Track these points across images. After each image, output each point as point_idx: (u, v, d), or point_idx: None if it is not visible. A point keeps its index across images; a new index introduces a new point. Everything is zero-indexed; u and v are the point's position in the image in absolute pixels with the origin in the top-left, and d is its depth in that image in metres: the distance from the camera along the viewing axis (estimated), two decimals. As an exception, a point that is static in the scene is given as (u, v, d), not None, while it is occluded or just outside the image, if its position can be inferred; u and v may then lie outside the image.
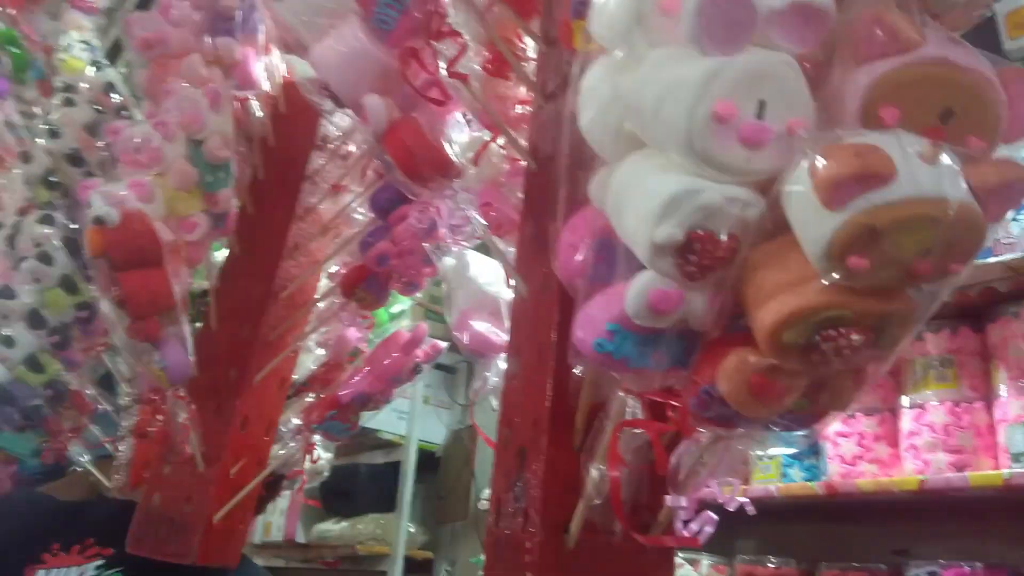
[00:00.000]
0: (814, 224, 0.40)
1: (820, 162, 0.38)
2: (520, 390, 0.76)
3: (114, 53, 1.45)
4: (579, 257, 0.57)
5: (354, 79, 0.82)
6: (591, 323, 0.54)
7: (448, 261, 1.15)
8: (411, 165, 0.83)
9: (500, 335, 1.04)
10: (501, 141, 0.97)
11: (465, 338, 1.06)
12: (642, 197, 0.46)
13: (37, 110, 1.64)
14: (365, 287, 1.10)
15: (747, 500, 0.80)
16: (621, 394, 0.61)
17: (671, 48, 0.45)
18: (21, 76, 1.74)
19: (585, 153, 0.56)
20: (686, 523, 0.67)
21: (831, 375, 0.48)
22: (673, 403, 0.56)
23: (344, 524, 3.25)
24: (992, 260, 1.32)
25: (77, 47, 1.69)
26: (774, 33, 0.42)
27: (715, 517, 0.67)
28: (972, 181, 0.38)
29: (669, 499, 0.59)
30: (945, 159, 0.39)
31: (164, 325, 0.98)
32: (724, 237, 0.46)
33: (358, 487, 3.24)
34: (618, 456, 0.59)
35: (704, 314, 0.50)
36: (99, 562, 1.13)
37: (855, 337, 0.43)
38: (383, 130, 0.82)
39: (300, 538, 3.29)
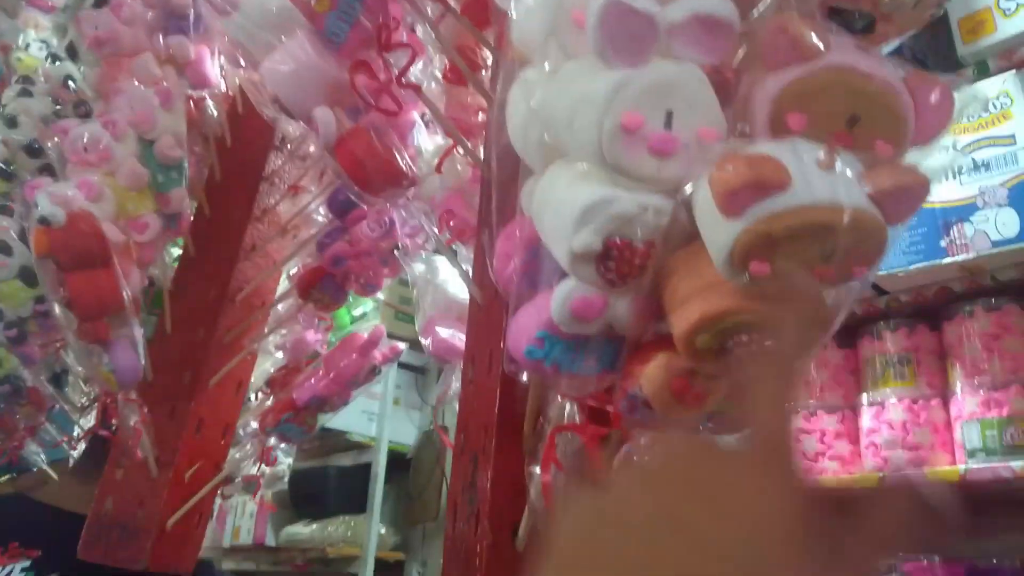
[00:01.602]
0: (716, 232, 0.41)
1: (716, 171, 0.39)
2: (474, 396, 0.77)
3: (73, 52, 1.44)
4: (511, 266, 0.58)
5: (304, 92, 0.82)
6: (522, 330, 0.54)
7: (418, 266, 1.16)
8: (362, 175, 0.83)
9: (463, 341, 1.04)
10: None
11: (429, 343, 1.07)
12: (560, 207, 0.47)
13: None
14: (321, 288, 1.10)
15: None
16: (560, 399, 0.62)
17: (584, 60, 0.45)
18: None
19: (515, 163, 0.57)
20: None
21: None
22: (608, 407, 0.57)
23: (314, 526, 3.23)
24: (947, 261, 1.34)
25: (35, 45, 1.67)
26: (678, 45, 0.43)
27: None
28: (869, 186, 0.39)
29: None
30: (842, 165, 0.39)
31: (113, 327, 0.96)
32: (641, 244, 0.46)
33: (328, 489, 3.22)
34: (555, 460, 0.60)
35: (628, 319, 0.50)
36: (24, 563, 1.13)
37: (767, 342, 0.43)
38: (333, 141, 0.82)
39: (270, 541, 3.27)
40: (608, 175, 0.45)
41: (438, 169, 1.01)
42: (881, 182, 0.39)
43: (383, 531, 3.24)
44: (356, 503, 3.16)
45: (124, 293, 0.96)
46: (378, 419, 3.31)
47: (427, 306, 1.10)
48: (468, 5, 0.95)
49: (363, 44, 0.87)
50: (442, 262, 1.11)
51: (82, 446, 1.45)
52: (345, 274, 1.09)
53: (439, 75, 1.04)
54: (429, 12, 0.91)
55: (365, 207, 1.00)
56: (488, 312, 0.80)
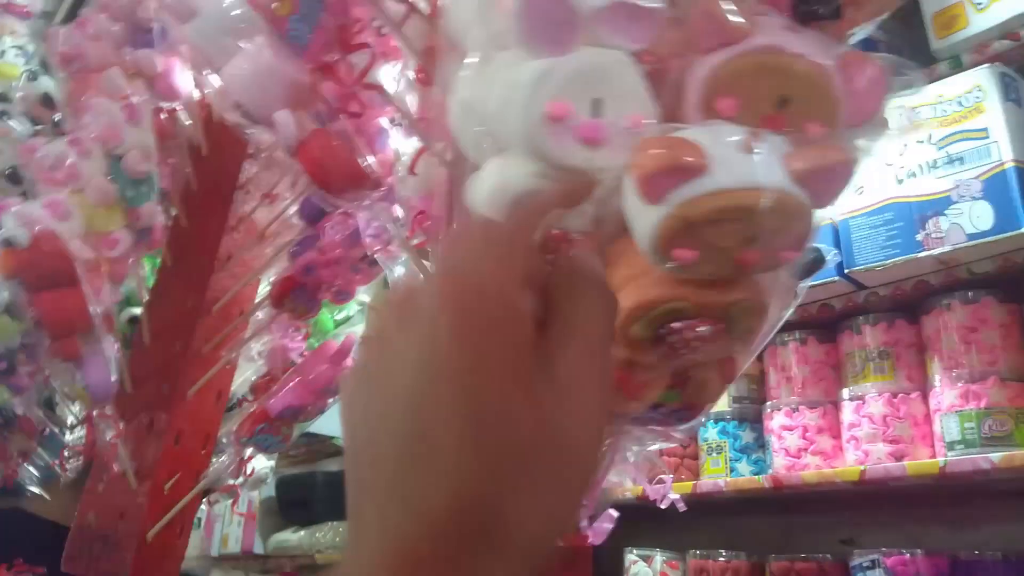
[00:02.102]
0: (639, 218, 0.40)
1: (634, 157, 0.38)
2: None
3: (47, 65, 1.43)
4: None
5: (265, 96, 0.82)
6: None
7: (398, 269, 1.16)
8: (324, 178, 0.83)
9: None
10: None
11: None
12: (495, 200, 0.46)
13: None
14: (294, 298, 1.10)
15: (678, 496, 0.81)
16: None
17: (512, 51, 0.45)
18: None
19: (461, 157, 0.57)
20: (590, 520, 0.67)
21: (692, 367, 0.48)
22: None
23: (302, 533, 3.22)
24: (923, 254, 1.35)
25: (11, 52, 1.66)
26: (602, 31, 0.42)
27: (615, 515, 0.67)
28: (791, 168, 0.39)
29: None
30: (765, 148, 0.39)
31: (84, 344, 0.97)
32: (577, 235, 0.46)
33: (316, 495, 3.21)
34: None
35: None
36: None
37: (701, 329, 0.43)
38: (294, 144, 0.82)
39: (258, 549, 3.25)
40: (539, 166, 0.45)
41: (411, 170, 1.01)
42: (802, 162, 0.38)
43: None
44: (344, 509, 3.16)
45: (93, 310, 0.97)
46: None
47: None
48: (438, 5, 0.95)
49: (326, 47, 0.87)
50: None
51: (76, 462, 1.45)
52: (316, 283, 1.09)
53: (411, 76, 1.04)
54: (393, 13, 0.91)
55: (335, 215, 1.00)
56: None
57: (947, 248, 1.31)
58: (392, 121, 1.04)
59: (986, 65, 1.36)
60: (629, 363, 0.46)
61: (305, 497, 3.14)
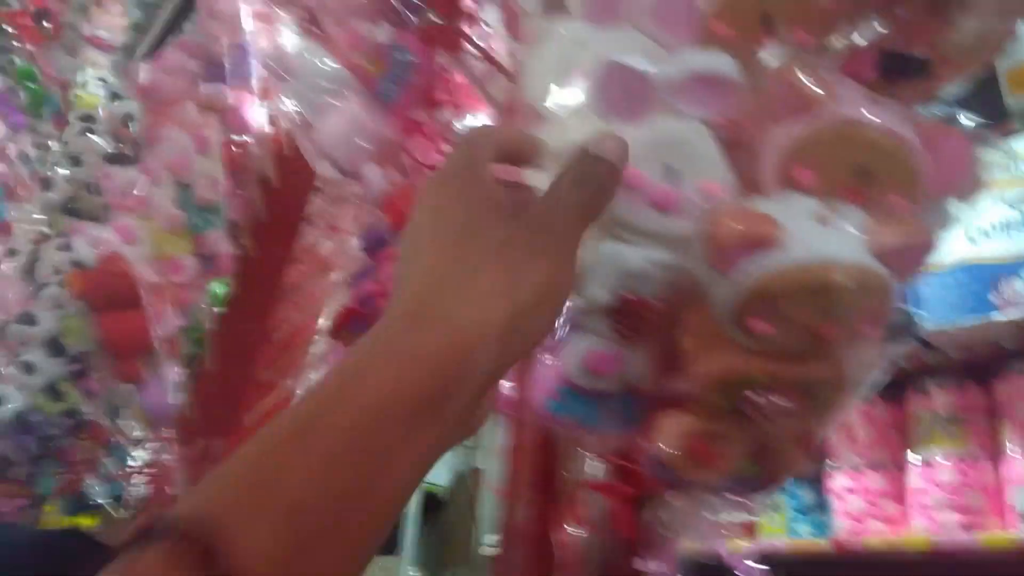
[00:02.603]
0: (715, 289, 0.40)
1: (708, 228, 0.38)
2: (518, 446, 0.77)
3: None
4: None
5: (356, 152, 0.87)
6: (543, 383, 0.54)
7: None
8: (408, 230, 0.86)
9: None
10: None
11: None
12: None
13: (52, 144, 1.64)
14: (351, 328, 1.09)
15: (758, 567, 0.78)
16: (586, 454, 0.61)
17: (588, 118, 0.46)
18: (37, 111, 1.78)
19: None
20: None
21: (771, 439, 0.47)
22: (633, 465, 0.56)
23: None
24: (997, 317, 1.30)
25: (93, 83, 1.75)
26: (679, 102, 0.43)
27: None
28: (872, 243, 0.38)
29: (637, 562, 0.58)
30: (842, 221, 0.38)
31: (145, 367, 0.99)
32: (652, 299, 0.46)
33: None
34: (579, 518, 0.59)
35: (646, 375, 0.50)
36: None
37: (779, 400, 0.42)
38: (381, 198, 0.86)
39: None
40: (614, 231, 0.45)
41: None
42: (882, 237, 0.37)
43: (414, 573, 3.20)
44: (386, 543, 3.14)
45: (155, 334, 0.99)
46: None
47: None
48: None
49: (413, 103, 0.91)
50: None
51: (142, 478, 1.46)
52: (374, 313, 1.07)
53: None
54: (479, 71, 0.95)
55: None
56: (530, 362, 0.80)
57: (1022, 312, 1.28)
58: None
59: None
60: (706, 432, 0.45)
61: None
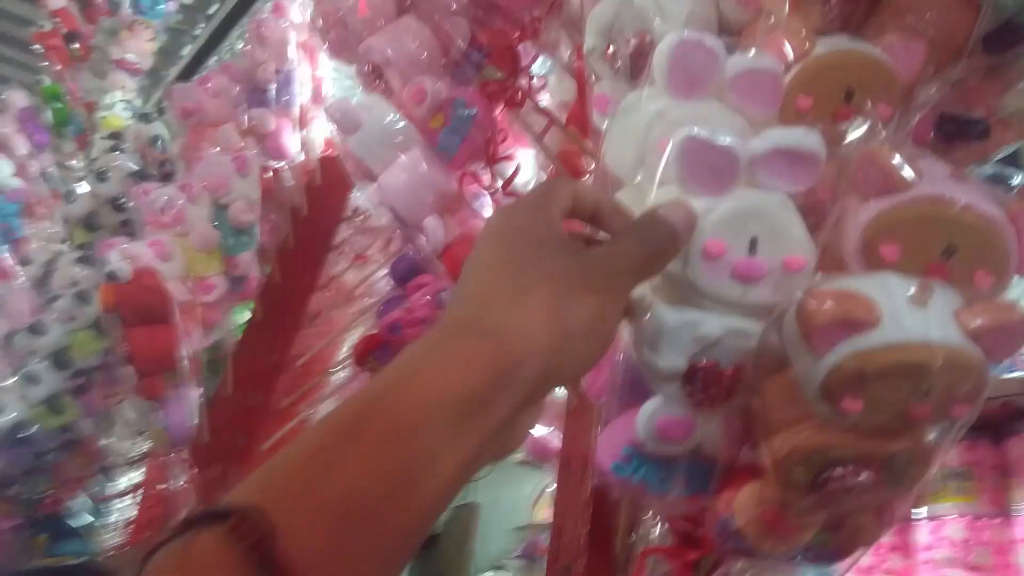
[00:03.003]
0: (806, 367, 0.40)
1: (803, 307, 0.39)
2: (568, 503, 0.76)
3: (156, 114, 1.50)
4: (603, 376, 0.58)
5: (417, 203, 0.88)
6: (610, 445, 0.54)
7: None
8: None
9: (560, 440, 1.04)
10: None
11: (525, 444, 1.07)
12: (649, 326, 0.48)
13: (75, 163, 1.66)
14: (377, 356, 1.09)
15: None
16: (651, 517, 0.60)
17: (670, 187, 0.47)
18: (61, 130, 1.82)
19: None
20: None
21: (849, 511, 0.46)
22: (700, 531, 0.55)
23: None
24: (1015, 375, 1.29)
25: (119, 106, 1.77)
26: (762, 175, 0.44)
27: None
28: (966, 324, 0.38)
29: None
30: (936, 301, 0.38)
31: (169, 385, 1.00)
32: (728, 367, 0.46)
33: None
34: (643, 582, 0.58)
35: (718, 442, 0.50)
36: None
37: (863, 476, 0.42)
38: (440, 248, 0.87)
39: None
40: (695, 298, 0.46)
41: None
42: (978, 319, 0.37)
43: None
44: None
45: (182, 351, 0.99)
46: None
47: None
48: (574, 114, 1.00)
49: (472, 156, 0.93)
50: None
51: (132, 500, 1.43)
52: (401, 342, 1.07)
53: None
54: (535, 125, 0.97)
55: (425, 276, 1.02)
56: (582, 416, 0.80)
57: None
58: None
59: None
60: (784, 505, 0.45)
61: None
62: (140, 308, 1.00)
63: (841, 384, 0.38)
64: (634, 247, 0.42)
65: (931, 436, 0.43)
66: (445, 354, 0.37)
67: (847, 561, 0.50)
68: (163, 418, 1.03)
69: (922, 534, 1.38)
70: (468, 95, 0.92)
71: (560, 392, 1.06)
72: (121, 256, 1.01)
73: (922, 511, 1.39)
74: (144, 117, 1.61)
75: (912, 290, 0.38)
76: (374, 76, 0.96)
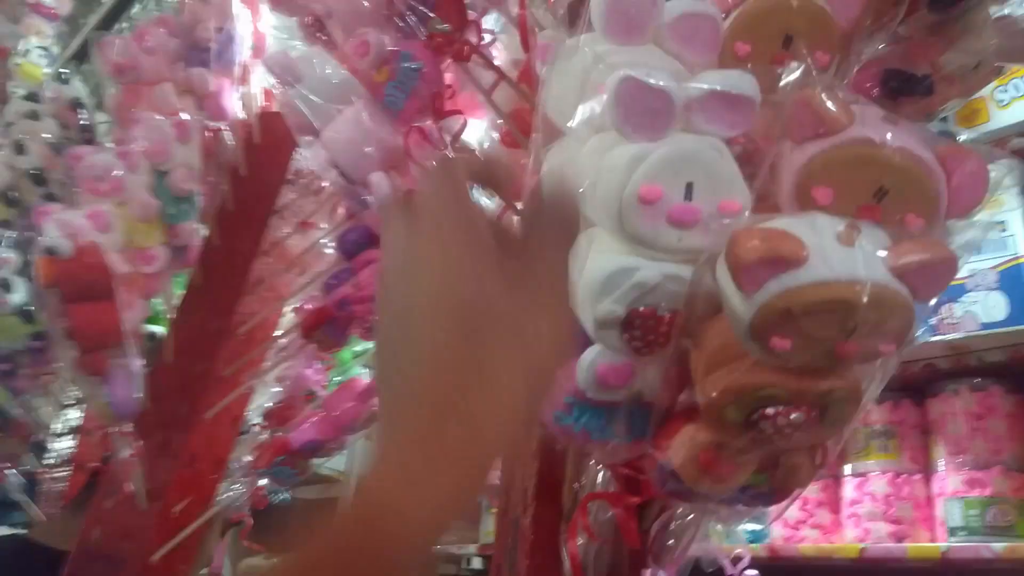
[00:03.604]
0: (736, 305, 0.40)
1: (731, 247, 0.39)
2: (515, 458, 0.77)
3: (74, 61, 1.39)
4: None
5: (361, 158, 0.86)
6: (552, 396, 0.55)
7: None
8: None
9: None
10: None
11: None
12: (586, 274, 0.47)
13: None
14: (325, 330, 1.07)
15: (755, 572, 0.78)
16: (594, 466, 0.61)
17: (609, 134, 0.46)
18: None
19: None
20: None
21: (782, 452, 0.47)
22: (642, 476, 0.56)
23: (274, 560, 3.14)
24: (936, 339, 1.40)
25: (35, 53, 1.65)
26: (697, 119, 0.43)
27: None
28: (893, 262, 0.39)
29: (644, 572, 0.58)
30: (864, 241, 0.39)
31: (112, 359, 0.95)
32: (665, 313, 0.46)
33: (292, 522, 3.13)
34: (586, 527, 0.59)
35: (657, 388, 0.50)
36: None
37: (795, 415, 0.42)
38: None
39: (226, 573, 3.21)
40: (631, 245, 0.46)
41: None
42: (905, 257, 0.38)
43: None
44: None
45: (125, 326, 0.95)
46: (348, 453, 3.18)
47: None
48: (525, 71, 0.98)
49: (419, 112, 0.91)
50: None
51: (62, 472, 1.41)
52: (349, 318, 1.05)
53: (496, 138, 1.07)
54: (484, 80, 0.95)
55: (373, 251, 0.99)
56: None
57: (959, 335, 1.35)
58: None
59: (1005, 160, 1.38)
60: (719, 445, 0.46)
61: (279, 523, 3.06)
62: (82, 285, 0.95)
63: (769, 322, 0.38)
64: (554, 233, 0.39)
65: (860, 375, 0.43)
66: (425, 459, 0.34)
67: (782, 504, 0.52)
68: (107, 393, 0.97)
69: (848, 490, 1.48)
70: (414, 48, 0.89)
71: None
72: (59, 228, 0.95)
73: (847, 468, 1.49)
74: (60, 77, 1.46)
75: (840, 229, 0.39)
76: (315, 28, 0.93)
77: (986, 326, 1.35)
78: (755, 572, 0.76)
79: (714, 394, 0.43)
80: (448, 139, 0.90)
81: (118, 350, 0.98)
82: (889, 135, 0.43)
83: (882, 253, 0.39)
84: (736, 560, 0.75)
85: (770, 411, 0.42)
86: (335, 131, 0.86)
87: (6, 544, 1.36)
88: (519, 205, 0.47)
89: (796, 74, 0.46)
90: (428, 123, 0.91)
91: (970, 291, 1.37)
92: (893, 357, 0.44)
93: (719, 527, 0.56)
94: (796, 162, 0.44)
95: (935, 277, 0.39)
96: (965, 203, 0.43)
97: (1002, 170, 0.62)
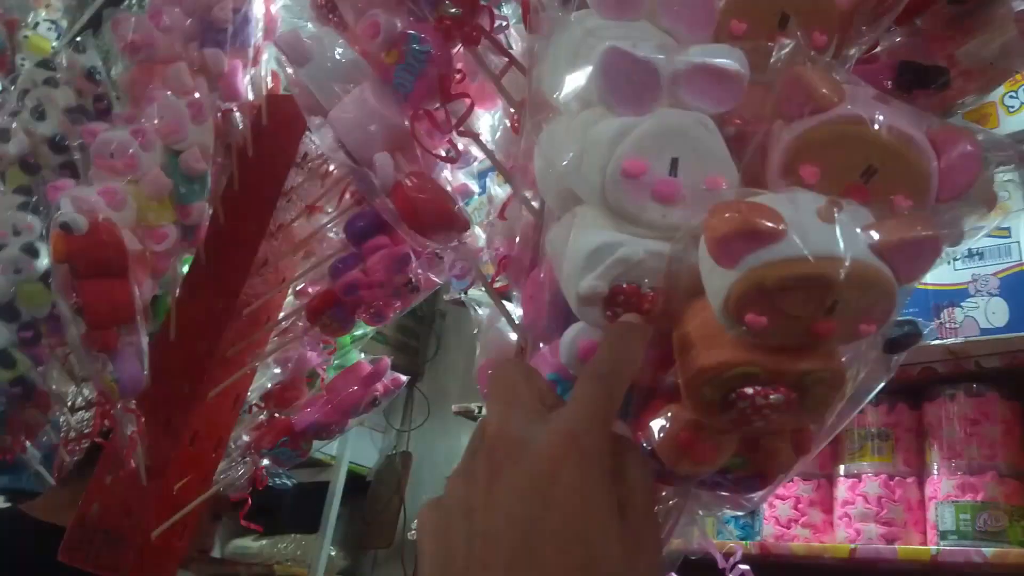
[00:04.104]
0: (713, 280, 0.40)
1: (709, 219, 0.38)
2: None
3: (87, 32, 1.38)
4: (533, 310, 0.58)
5: (367, 138, 0.87)
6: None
7: (483, 311, 1.17)
8: (415, 220, 0.86)
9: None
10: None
11: (482, 388, 1.07)
12: (570, 251, 0.47)
13: None
14: (331, 314, 1.08)
15: (747, 568, 0.78)
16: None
17: (596, 108, 0.46)
18: None
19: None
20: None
21: (763, 433, 0.47)
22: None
23: (264, 542, 3.14)
24: (935, 343, 1.39)
25: (44, 25, 1.67)
26: (684, 94, 0.43)
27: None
28: (872, 239, 0.38)
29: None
30: (845, 218, 0.38)
31: (121, 336, 0.96)
32: (648, 290, 0.46)
33: (282, 504, 3.13)
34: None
35: (640, 368, 0.49)
36: None
37: (773, 396, 0.42)
38: (390, 185, 0.86)
39: (215, 552, 3.23)
40: (615, 221, 0.45)
41: (500, 215, 1.03)
42: (884, 233, 0.37)
43: (334, 553, 3.16)
44: (309, 521, 3.10)
45: (136, 304, 0.95)
46: (340, 438, 3.19)
47: (483, 351, 1.11)
48: (537, 58, 0.98)
49: (427, 95, 0.91)
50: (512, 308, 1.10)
51: (79, 445, 1.42)
52: (356, 302, 1.06)
53: (507, 124, 1.07)
54: (494, 65, 0.95)
55: (382, 237, 0.99)
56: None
57: (959, 339, 1.35)
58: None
59: (1012, 166, 1.36)
60: (696, 425, 0.45)
61: (272, 505, 3.07)
62: (96, 262, 0.94)
63: (744, 298, 0.38)
64: (642, 478, 0.41)
65: (842, 357, 0.43)
66: None
67: (765, 491, 0.51)
68: (114, 369, 0.97)
69: (841, 490, 1.48)
70: (423, 30, 0.89)
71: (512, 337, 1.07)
72: (73, 205, 0.94)
73: (841, 469, 1.48)
74: (76, 46, 1.43)
75: (819, 204, 0.38)
76: (327, 10, 0.94)
77: (986, 332, 1.35)
78: (747, 567, 0.76)
79: (691, 372, 0.43)
80: (455, 122, 0.89)
81: (127, 327, 0.98)
82: (879, 113, 0.42)
83: (864, 231, 0.38)
84: (728, 555, 0.74)
85: (748, 391, 0.42)
86: (342, 110, 0.87)
87: (3, 518, 1.37)
88: None
89: (786, 50, 0.45)
90: (436, 106, 0.91)
91: (972, 296, 1.38)
92: (876, 345, 0.43)
93: (702, 514, 0.55)
94: (784, 139, 0.43)
95: (917, 256, 0.38)
96: (956, 184, 0.42)
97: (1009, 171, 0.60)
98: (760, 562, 1.50)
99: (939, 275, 1.41)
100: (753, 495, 0.52)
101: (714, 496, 0.53)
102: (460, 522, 0.40)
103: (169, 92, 1.09)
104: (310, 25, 0.95)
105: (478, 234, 1.02)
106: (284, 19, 1.21)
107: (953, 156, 0.42)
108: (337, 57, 0.88)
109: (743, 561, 0.75)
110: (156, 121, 1.06)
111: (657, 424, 0.47)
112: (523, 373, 0.44)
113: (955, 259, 1.40)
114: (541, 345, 0.56)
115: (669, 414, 0.47)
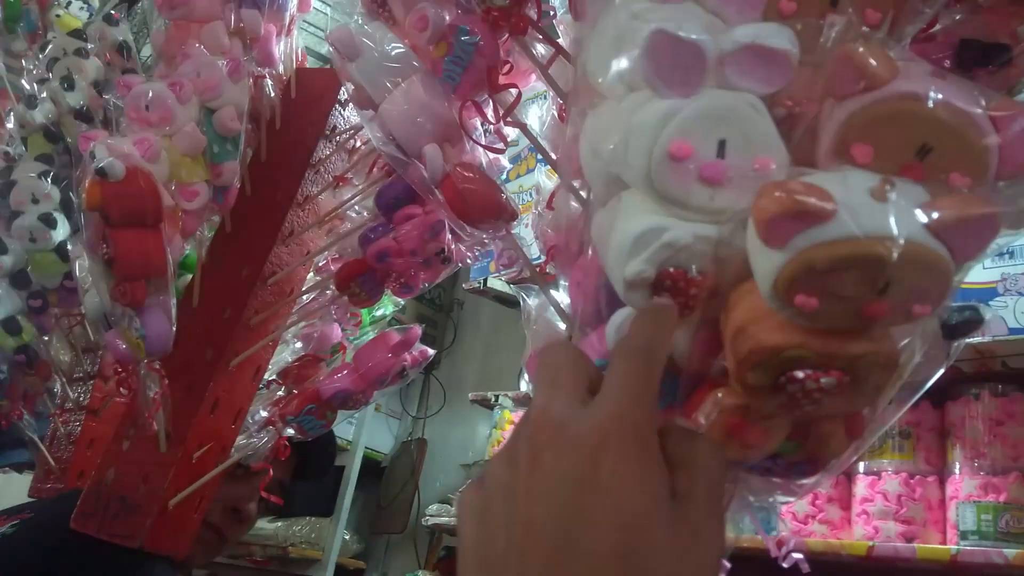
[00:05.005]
0: (761, 262, 0.39)
1: (758, 200, 0.38)
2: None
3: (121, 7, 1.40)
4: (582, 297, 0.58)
5: (416, 131, 0.88)
6: (584, 358, 0.54)
7: (532, 300, 1.17)
8: (464, 210, 0.87)
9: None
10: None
11: (531, 377, 1.08)
12: (616, 236, 0.47)
13: (24, 63, 1.52)
14: (360, 282, 1.05)
15: (801, 556, 0.76)
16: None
17: (642, 92, 0.46)
18: (11, 26, 1.69)
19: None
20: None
21: (813, 418, 0.46)
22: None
23: (279, 524, 3.18)
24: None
25: (75, 5, 1.68)
26: (731, 74, 0.42)
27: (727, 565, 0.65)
28: (927, 218, 0.37)
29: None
30: (899, 196, 0.37)
31: (150, 292, 0.94)
32: (696, 274, 0.46)
33: (297, 487, 3.19)
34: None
35: (688, 352, 0.49)
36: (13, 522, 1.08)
37: (824, 380, 0.41)
38: (439, 177, 0.87)
39: None
40: (662, 204, 0.45)
41: (548, 205, 1.04)
42: (939, 212, 0.36)
43: (348, 536, 3.20)
44: (324, 505, 3.14)
45: (168, 257, 0.93)
46: (357, 423, 3.23)
47: (533, 340, 1.11)
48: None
49: (475, 86, 0.92)
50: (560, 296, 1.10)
51: (77, 416, 1.41)
52: (386, 271, 1.04)
53: (555, 114, 1.07)
54: (541, 55, 0.95)
55: (414, 206, 0.97)
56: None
57: (986, 338, 1.32)
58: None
59: None
60: (745, 409, 0.45)
61: (285, 487, 3.12)
62: (131, 210, 0.91)
63: (794, 279, 0.37)
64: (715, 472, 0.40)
65: (896, 340, 0.42)
66: None
67: (816, 477, 0.50)
68: (141, 326, 0.94)
69: (860, 487, 1.45)
70: (471, 22, 0.90)
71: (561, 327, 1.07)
72: (108, 152, 0.90)
73: (861, 466, 1.44)
74: (110, 18, 1.44)
75: (872, 183, 0.37)
76: (377, 4, 0.95)
77: (1015, 331, 1.32)
78: (800, 556, 0.74)
79: (740, 355, 0.42)
80: (502, 112, 0.90)
81: (157, 283, 0.95)
82: (935, 90, 0.41)
83: (919, 210, 0.37)
84: (780, 544, 0.73)
85: (799, 374, 0.41)
86: (392, 104, 0.88)
87: None
88: None
89: (837, 28, 0.44)
90: (483, 98, 0.92)
91: (1001, 295, 1.35)
92: (932, 328, 0.42)
93: (753, 501, 0.55)
94: (836, 119, 0.42)
95: (974, 235, 0.37)
96: (1018, 162, 0.41)
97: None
98: (775, 558, 1.48)
99: (968, 273, 1.39)
100: (805, 481, 0.51)
101: (764, 481, 0.53)
102: (500, 506, 0.40)
103: (205, 50, 1.07)
104: (359, 19, 0.96)
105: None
106: (333, 17, 1.22)
107: (1014, 132, 0.41)
108: (387, 51, 0.89)
109: (757, 556, 0.74)
110: (193, 76, 1.03)
111: (704, 409, 0.47)
112: (571, 356, 0.44)
113: (984, 256, 1.39)
114: (588, 331, 0.56)
115: (715, 398, 0.46)
